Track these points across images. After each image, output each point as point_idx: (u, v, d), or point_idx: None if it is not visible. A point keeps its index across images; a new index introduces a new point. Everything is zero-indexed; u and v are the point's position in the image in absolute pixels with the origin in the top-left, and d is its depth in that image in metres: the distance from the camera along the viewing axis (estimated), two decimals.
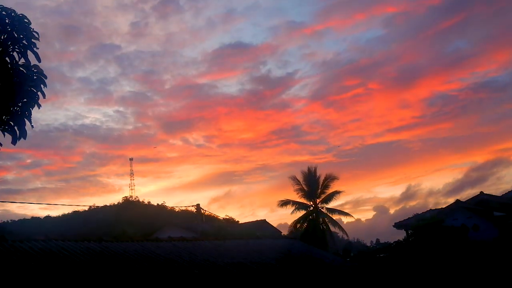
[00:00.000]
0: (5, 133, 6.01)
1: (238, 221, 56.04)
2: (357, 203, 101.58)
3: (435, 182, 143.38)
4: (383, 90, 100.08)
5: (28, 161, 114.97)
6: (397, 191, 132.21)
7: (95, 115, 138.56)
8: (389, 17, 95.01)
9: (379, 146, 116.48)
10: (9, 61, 5.81)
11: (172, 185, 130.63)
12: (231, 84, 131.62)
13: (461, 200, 29.47)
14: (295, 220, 33.98)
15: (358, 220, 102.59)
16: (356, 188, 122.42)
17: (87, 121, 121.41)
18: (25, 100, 5.98)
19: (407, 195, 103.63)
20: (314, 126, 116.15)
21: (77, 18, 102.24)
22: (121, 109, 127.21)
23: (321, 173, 34.70)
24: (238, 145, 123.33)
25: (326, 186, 34.00)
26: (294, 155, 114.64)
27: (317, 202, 34.06)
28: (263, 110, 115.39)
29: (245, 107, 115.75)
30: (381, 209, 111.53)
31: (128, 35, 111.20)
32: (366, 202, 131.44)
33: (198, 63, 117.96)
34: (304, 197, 34.25)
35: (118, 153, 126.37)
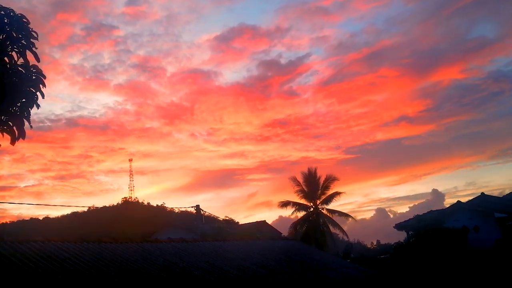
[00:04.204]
0: (4, 133, 5.96)
1: (238, 222, 55.89)
2: (359, 203, 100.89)
3: (439, 182, 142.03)
4: (397, 78, 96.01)
5: (24, 155, 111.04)
6: (400, 190, 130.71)
7: (92, 105, 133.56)
8: None
9: (388, 143, 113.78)
10: (8, 61, 5.76)
11: (172, 185, 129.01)
12: (237, 69, 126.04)
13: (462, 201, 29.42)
14: (295, 221, 33.96)
15: (359, 221, 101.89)
16: (359, 187, 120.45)
17: (84, 113, 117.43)
18: (24, 100, 5.93)
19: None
20: (322, 119, 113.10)
21: None
22: (118, 98, 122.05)
23: (322, 174, 34.69)
24: (242, 139, 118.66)
25: (326, 187, 33.94)
26: (300, 151, 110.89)
27: (317, 203, 33.99)
28: (269, 99, 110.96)
29: (251, 95, 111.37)
30: (382, 210, 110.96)
31: (125, 15, 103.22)
32: (368, 202, 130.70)
33: (202, 46, 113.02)
34: (304, 198, 34.21)
35: (118, 147, 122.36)
